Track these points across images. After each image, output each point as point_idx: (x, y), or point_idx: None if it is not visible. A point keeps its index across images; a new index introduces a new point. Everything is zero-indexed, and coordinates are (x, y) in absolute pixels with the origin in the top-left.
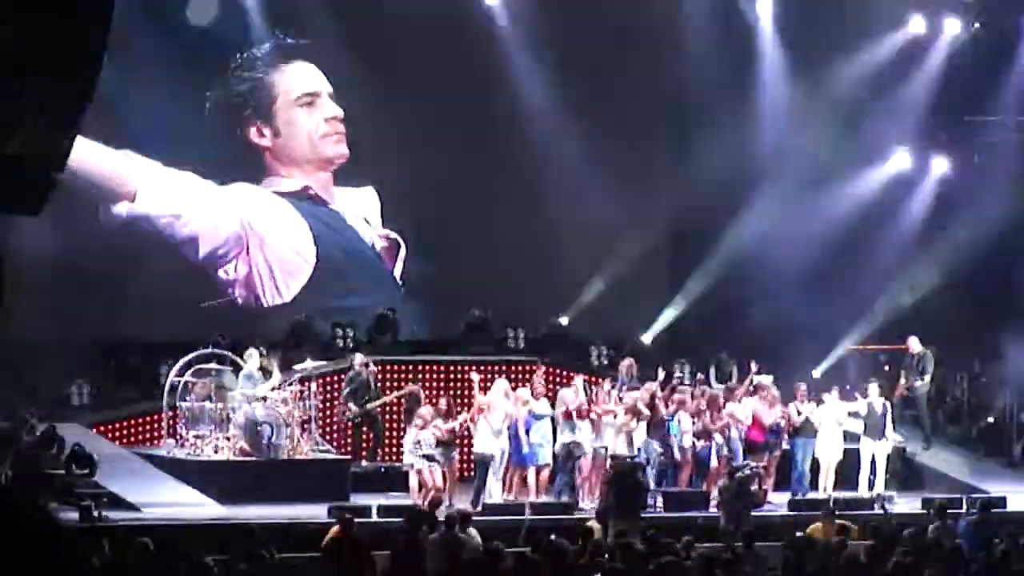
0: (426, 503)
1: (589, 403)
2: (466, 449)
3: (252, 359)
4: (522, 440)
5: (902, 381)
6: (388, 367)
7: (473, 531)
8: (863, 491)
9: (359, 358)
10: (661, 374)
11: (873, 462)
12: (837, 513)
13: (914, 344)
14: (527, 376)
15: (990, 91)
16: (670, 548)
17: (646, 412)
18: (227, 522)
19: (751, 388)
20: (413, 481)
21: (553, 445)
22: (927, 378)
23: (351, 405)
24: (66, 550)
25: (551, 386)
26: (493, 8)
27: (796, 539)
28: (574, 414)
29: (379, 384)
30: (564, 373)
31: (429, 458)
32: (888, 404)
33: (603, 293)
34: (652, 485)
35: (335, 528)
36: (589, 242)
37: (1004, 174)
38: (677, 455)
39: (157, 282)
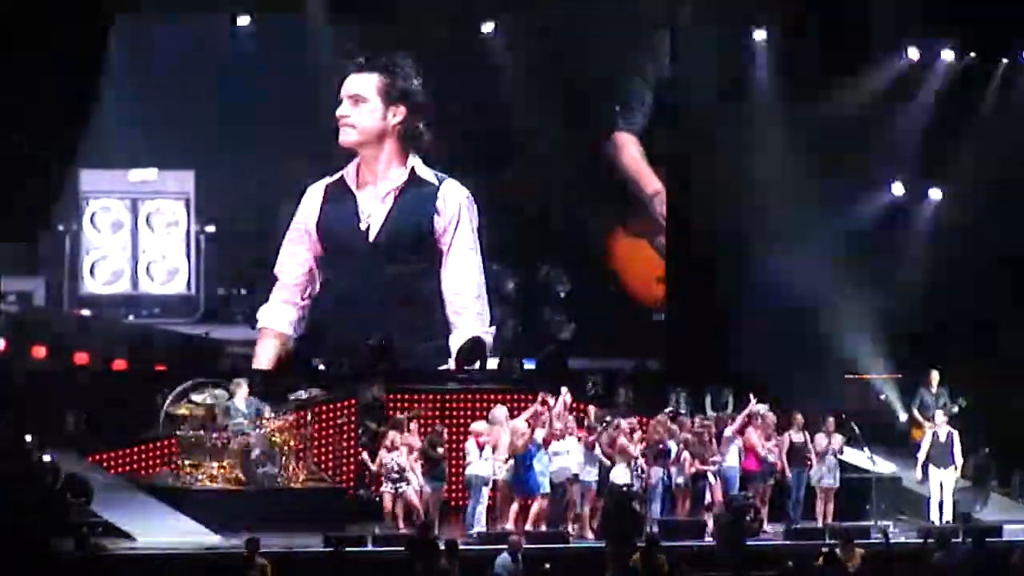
0: (417, 527)
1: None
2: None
3: (240, 388)
4: (530, 468)
5: (916, 413)
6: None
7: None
8: (934, 518)
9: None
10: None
11: (941, 490)
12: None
13: (935, 379)
14: (523, 406)
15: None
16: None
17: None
18: (222, 551)
19: (746, 419)
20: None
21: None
22: (951, 409)
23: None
24: None
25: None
26: None
27: (790, 567)
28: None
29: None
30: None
31: (396, 482)
32: (954, 432)
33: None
34: (652, 514)
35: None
36: None
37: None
38: (673, 485)
39: None
